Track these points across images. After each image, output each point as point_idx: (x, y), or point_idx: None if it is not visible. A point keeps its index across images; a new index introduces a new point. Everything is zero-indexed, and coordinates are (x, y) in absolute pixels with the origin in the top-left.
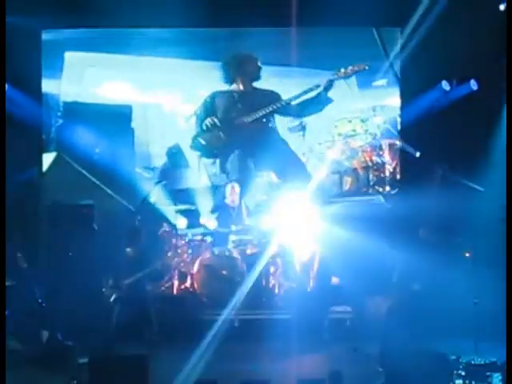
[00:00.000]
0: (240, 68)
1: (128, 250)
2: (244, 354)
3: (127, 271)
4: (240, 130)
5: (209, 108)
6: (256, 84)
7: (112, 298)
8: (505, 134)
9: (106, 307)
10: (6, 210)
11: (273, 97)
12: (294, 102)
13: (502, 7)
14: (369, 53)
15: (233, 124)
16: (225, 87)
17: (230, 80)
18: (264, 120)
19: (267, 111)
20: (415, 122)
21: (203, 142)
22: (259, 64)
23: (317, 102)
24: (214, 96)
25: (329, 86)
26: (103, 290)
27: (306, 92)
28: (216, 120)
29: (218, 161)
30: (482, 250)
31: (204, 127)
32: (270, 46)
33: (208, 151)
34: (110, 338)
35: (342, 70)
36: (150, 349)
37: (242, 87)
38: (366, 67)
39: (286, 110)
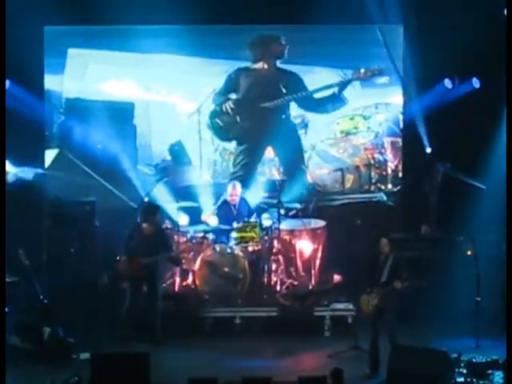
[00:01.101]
0: (265, 48)
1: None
2: (245, 351)
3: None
4: (258, 116)
5: (231, 84)
6: (281, 64)
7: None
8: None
9: (107, 302)
10: (6, 210)
11: (295, 80)
12: (316, 95)
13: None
14: (371, 51)
15: (251, 109)
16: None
17: (255, 59)
18: (282, 109)
19: (287, 99)
20: (417, 119)
21: (220, 124)
22: (283, 42)
23: (333, 101)
24: (238, 73)
25: (345, 85)
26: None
27: (325, 87)
28: (234, 105)
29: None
30: (484, 248)
31: (224, 109)
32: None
33: (223, 134)
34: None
35: (362, 71)
36: (155, 344)
37: (266, 66)
38: (381, 71)
39: (305, 101)
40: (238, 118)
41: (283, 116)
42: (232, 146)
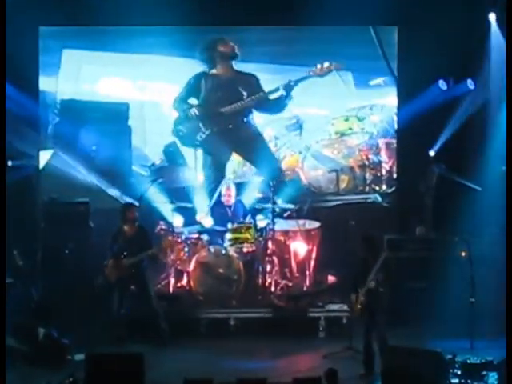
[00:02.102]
0: (214, 51)
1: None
2: (240, 351)
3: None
4: (219, 122)
5: (191, 89)
6: (237, 66)
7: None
8: (503, 133)
9: (102, 303)
10: (6, 211)
11: (252, 82)
12: (271, 96)
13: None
14: (366, 51)
15: (212, 114)
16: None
17: (210, 65)
18: (242, 112)
19: (247, 104)
20: (412, 120)
21: (184, 131)
22: (231, 43)
23: (282, 100)
24: (198, 77)
25: (296, 83)
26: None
27: (281, 88)
28: (198, 110)
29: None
30: (478, 250)
31: (188, 115)
32: (267, 44)
33: (188, 140)
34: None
35: (318, 67)
36: (160, 345)
37: (222, 71)
38: (341, 66)
39: (262, 103)
40: (200, 125)
41: (244, 119)
42: None
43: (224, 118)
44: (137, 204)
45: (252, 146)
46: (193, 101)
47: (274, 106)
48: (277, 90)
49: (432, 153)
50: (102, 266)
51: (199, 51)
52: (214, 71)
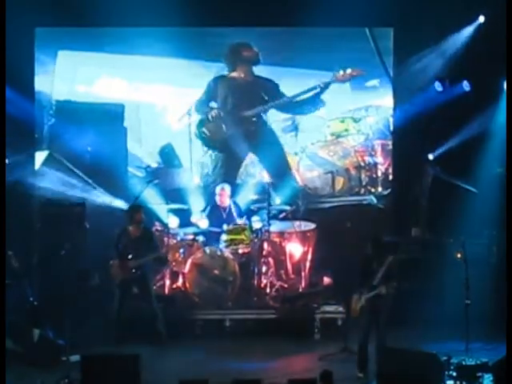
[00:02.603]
0: (238, 55)
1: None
2: (235, 353)
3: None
4: (240, 125)
5: (211, 93)
6: (257, 70)
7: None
8: (498, 134)
9: (98, 304)
10: (6, 211)
11: (271, 87)
12: (295, 100)
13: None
14: (362, 53)
15: (234, 116)
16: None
17: (231, 68)
18: (262, 116)
19: (269, 106)
20: (408, 122)
21: (208, 133)
22: (255, 49)
23: (312, 103)
24: (216, 81)
25: (325, 88)
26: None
27: (306, 91)
28: (219, 112)
29: (216, 155)
30: (473, 251)
31: (210, 117)
32: (263, 46)
33: (210, 143)
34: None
35: (341, 73)
36: (159, 345)
37: (242, 75)
38: (363, 73)
39: (286, 106)
40: (223, 127)
41: (264, 123)
42: None
43: (246, 120)
44: (142, 205)
45: (270, 151)
46: (213, 104)
47: (301, 106)
48: (299, 94)
49: (430, 156)
50: (98, 266)
51: (221, 55)
52: (232, 74)
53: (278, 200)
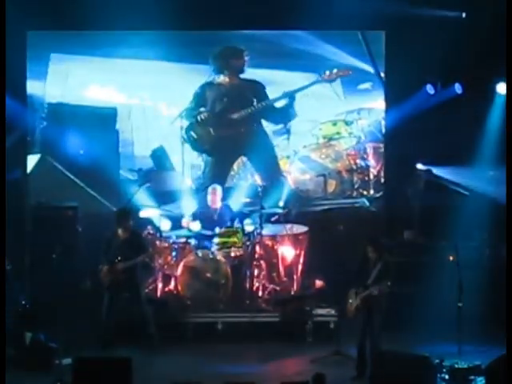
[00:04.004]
0: (227, 62)
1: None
2: (228, 356)
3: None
4: (228, 127)
5: (199, 100)
6: (246, 73)
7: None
8: (491, 137)
9: (90, 307)
10: (6, 212)
11: (259, 88)
12: (277, 104)
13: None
14: (354, 56)
15: (222, 120)
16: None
17: (218, 72)
18: (252, 118)
19: (252, 110)
20: (400, 125)
21: (195, 136)
22: (245, 57)
23: (286, 114)
24: (203, 87)
25: (310, 85)
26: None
27: (286, 94)
28: (208, 115)
29: (205, 158)
30: (466, 254)
31: (199, 119)
32: (256, 49)
33: (198, 146)
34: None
35: (327, 73)
36: (151, 350)
37: (228, 80)
38: (350, 73)
39: (269, 112)
40: (211, 130)
41: (254, 125)
42: None
43: (235, 123)
44: (130, 209)
45: (261, 154)
46: (202, 109)
47: (280, 114)
48: (282, 97)
49: (422, 159)
50: (90, 270)
51: (211, 57)
52: (219, 80)
53: (269, 203)
